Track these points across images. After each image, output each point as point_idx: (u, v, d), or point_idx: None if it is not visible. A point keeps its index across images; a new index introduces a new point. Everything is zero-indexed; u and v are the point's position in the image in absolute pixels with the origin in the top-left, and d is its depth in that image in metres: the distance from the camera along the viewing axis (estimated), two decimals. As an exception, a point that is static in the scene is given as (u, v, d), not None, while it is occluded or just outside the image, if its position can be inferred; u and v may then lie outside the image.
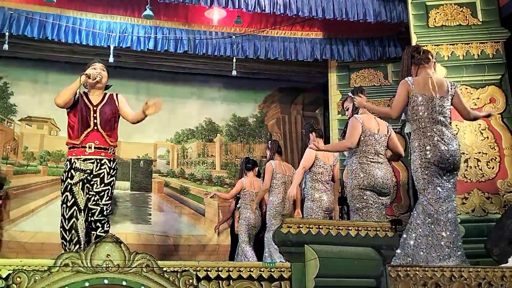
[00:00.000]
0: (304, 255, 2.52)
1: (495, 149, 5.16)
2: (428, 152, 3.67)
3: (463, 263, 3.50)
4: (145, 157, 8.21)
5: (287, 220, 2.59)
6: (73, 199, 3.79)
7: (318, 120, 8.49)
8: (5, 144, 7.52)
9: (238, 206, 6.47)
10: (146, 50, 6.59)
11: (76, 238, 3.74)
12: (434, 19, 5.62)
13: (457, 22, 5.58)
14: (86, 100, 3.96)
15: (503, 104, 5.27)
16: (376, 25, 6.36)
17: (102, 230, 3.83)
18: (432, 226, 3.61)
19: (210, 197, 7.13)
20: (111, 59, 6.31)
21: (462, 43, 5.50)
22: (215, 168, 8.49)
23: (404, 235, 3.74)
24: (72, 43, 6.43)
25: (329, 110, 7.43)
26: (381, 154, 4.29)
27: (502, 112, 5.27)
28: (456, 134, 4.32)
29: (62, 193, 3.86)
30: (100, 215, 3.85)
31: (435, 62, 4.00)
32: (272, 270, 2.50)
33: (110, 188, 3.92)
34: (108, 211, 3.90)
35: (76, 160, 3.85)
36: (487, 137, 5.20)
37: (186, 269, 2.40)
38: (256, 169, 6.43)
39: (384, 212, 4.28)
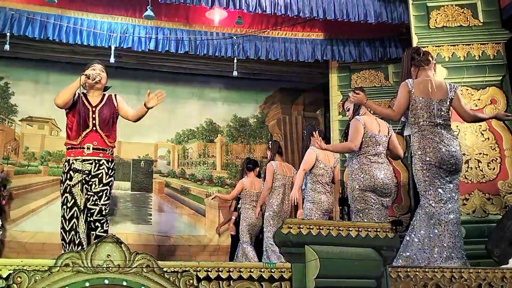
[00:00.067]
0: (304, 256, 2.52)
1: (495, 150, 5.15)
2: (428, 154, 3.67)
3: (465, 264, 3.50)
4: (146, 158, 8.22)
5: (288, 220, 2.59)
6: (73, 200, 3.80)
7: (318, 120, 8.50)
8: (6, 144, 7.53)
9: (238, 206, 6.47)
10: (147, 50, 6.59)
11: (78, 240, 3.75)
12: (435, 20, 5.62)
13: (458, 23, 5.58)
14: (85, 101, 3.97)
15: (503, 105, 5.26)
16: (377, 26, 6.36)
17: (102, 230, 3.84)
18: (434, 228, 3.61)
19: (212, 199, 7.13)
20: (112, 60, 6.32)
21: (463, 44, 5.49)
22: (215, 169, 8.49)
23: (407, 238, 3.74)
24: (73, 44, 6.44)
25: (329, 111, 7.44)
26: (382, 154, 4.29)
27: (503, 113, 5.26)
28: (457, 135, 4.32)
29: (62, 195, 3.88)
30: (99, 215, 3.85)
31: (435, 64, 4.00)
32: (273, 270, 2.50)
33: (108, 188, 3.92)
34: (107, 211, 3.91)
35: (74, 161, 3.86)
36: (488, 138, 5.19)
37: (187, 269, 2.40)
38: (257, 169, 6.43)
39: (385, 213, 4.28)
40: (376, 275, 2.53)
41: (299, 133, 8.61)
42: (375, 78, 7.12)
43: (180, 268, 2.39)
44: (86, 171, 3.85)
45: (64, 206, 3.81)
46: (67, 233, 3.76)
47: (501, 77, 5.37)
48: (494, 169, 5.12)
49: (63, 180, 3.88)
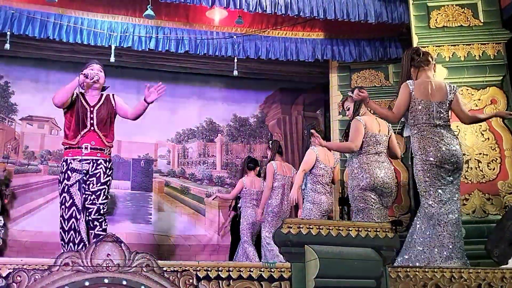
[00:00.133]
0: (304, 256, 2.52)
1: (495, 150, 5.15)
2: (429, 154, 3.67)
3: (465, 264, 3.50)
4: (146, 157, 8.22)
5: (287, 220, 2.59)
6: (71, 200, 3.81)
7: (319, 120, 8.49)
8: (6, 143, 7.53)
9: (239, 206, 6.46)
10: (147, 50, 6.59)
11: (79, 239, 3.76)
12: (436, 20, 5.62)
13: (459, 23, 5.57)
14: (83, 101, 3.98)
15: (504, 105, 5.25)
16: (377, 25, 6.35)
17: (100, 229, 3.85)
18: (434, 228, 3.61)
19: (213, 199, 7.13)
20: (112, 59, 6.31)
21: (463, 44, 5.49)
22: (215, 168, 8.49)
23: (409, 240, 3.74)
24: (74, 43, 6.43)
25: (329, 111, 7.43)
26: (382, 154, 4.30)
27: (503, 113, 5.26)
28: (457, 135, 4.32)
29: (60, 194, 3.89)
30: (97, 214, 3.86)
31: (435, 64, 4.00)
32: (272, 270, 2.50)
33: (106, 187, 3.93)
34: (105, 210, 3.93)
35: (72, 161, 3.87)
36: (488, 138, 5.19)
37: (186, 269, 2.40)
38: (257, 168, 6.43)
39: (385, 213, 4.28)
40: (375, 275, 2.53)
41: (299, 133, 8.61)
42: (375, 78, 7.12)
43: (180, 267, 2.39)
44: (84, 171, 3.86)
45: (63, 206, 3.83)
46: (66, 233, 3.77)
47: (502, 77, 5.37)
48: (494, 169, 5.11)
49: (61, 180, 3.88)
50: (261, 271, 2.48)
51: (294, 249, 2.53)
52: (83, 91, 4.03)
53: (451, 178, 3.70)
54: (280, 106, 8.76)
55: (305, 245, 2.52)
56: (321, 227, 2.57)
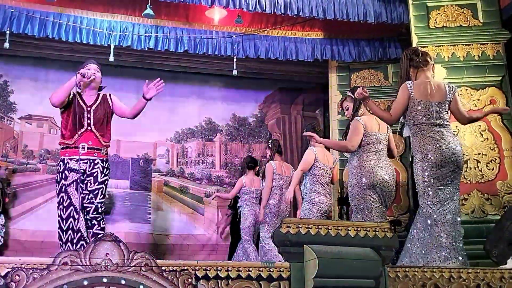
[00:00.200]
0: (303, 255, 2.52)
1: (495, 151, 5.15)
2: (429, 153, 3.67)
3: (463, 264, 3.49)
4: (145, 156, 8.21)
5: (286, 220, 2.58)
6: (69, 200, 3.82)
7: (318, 120, 8.49)
8: (5, 142, 7.52)
9: (238, 205, 6.46)
10: (146, 49, 6.58)
11: (78, 237, 3.77)
12: (435, 20, 5.62)
13: (458, 23, 5.58)
14: (80, 101, 3.98)
15: (503, 105, 5.24)
16: (376, 26, 6.35)
17: (99, 228, 3.86)
18: (432, 228, 3.61)
19: (212, 199, 7.13)
20: (111, 58, 6.31)
21: (463, 44, 5.49)
22: (214, 168, 8.49)
23: (408, 245, 3.75)
24: (73, 42, 6.43)
25: (329, 111, 7.44)
26: (382, 152, 4.31)
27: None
28: (456, 134, 4.32)
29: (58, 194, 3.90)
30: (95, 213, 3.87)
31: (433, 64, 3.99)
32: (271, 270, 2.50)
33: (104, 186, 3.94)
34: (103, 209, 3.94)
35: (69, 161, 3.87)
36: (487, 138, 5.19)
37: (185, 268, 2.40)
38: (257, 168, 6.43)
39: (384, 212, 4.29)
40: (374, 275, 2.53)
41: (298, 132, 8.61)
42: (375, 78, 7.12)
43: (179, 267, 2.39)
44: (81, 170, 3.86)
45: (61, 206, 3.84)
46: (64, 233, 3.78)
47: (501, 77, 5.37)
48: (493, 169, 5.12)
49: (58, 180, 3.89)
50: (260, 270, 2.48)
51: (293, 248, 2.53)
52: (80, 90, 4.03)
53: (451, 179, 3.70)
54: (280, 106, 8.76)
55: (304, 245, 2.52)
56: (320, 227, 2.57)
